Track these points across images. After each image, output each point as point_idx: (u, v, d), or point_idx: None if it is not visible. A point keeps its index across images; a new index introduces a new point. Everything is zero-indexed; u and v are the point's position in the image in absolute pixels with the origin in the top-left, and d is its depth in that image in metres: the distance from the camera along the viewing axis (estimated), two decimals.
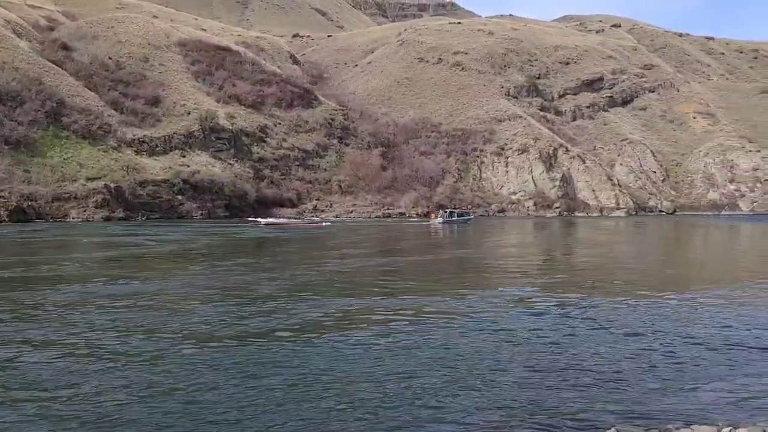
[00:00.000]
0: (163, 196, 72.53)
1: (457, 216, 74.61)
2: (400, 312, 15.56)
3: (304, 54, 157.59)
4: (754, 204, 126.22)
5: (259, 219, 64.98)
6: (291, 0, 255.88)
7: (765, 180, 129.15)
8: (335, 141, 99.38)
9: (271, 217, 73.58)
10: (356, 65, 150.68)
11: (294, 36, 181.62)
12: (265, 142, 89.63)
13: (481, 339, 12.99)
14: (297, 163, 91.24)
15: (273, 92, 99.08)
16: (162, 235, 44.45)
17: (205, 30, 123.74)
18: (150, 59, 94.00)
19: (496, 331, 13.69)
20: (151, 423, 8.09)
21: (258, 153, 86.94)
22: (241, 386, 9.50)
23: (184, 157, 79.53)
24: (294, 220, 68.92)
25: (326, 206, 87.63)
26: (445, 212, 74.58)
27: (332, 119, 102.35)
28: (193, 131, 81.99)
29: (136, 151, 76.74)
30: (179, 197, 73.58)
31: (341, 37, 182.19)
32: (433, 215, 75.80)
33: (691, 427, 8.32)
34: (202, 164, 79.10)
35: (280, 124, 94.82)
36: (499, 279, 23.53)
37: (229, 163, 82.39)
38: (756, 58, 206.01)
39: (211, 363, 10.69)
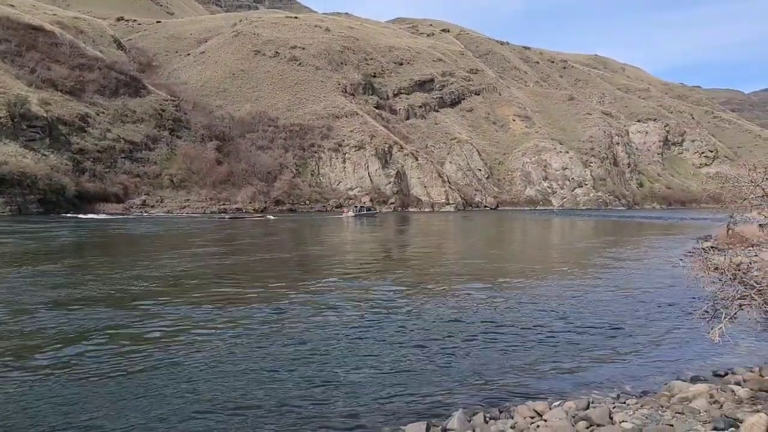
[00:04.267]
0: None
1: (366, 211, 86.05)
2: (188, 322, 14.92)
3: (131, 39, 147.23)
4: (564, 200, 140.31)
5: (269, 217, 74.98)
6: None
7: (572, 178, 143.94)
8: (166, 133, 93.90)
9: (92, 213, 68.48)
10: (188, 54, 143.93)
11: (118, 19, 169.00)
12: (86, 132, 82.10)
13: (327, 337, 12.87)
14: (123, 155, 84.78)
15: (95, 78, 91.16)
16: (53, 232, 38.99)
17: (13, 6, 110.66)
18: None
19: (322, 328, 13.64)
20: None
21: (78, 144, 79.38)
22: None
23: None
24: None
25: (156, 201, 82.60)
26: (356, 207, 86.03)
27: (163, 110, 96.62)
28: (0, 118, 72.88)
29: None
30: None
31: (172, 24, 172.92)
32: (345, 210, 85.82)
33: (526, 403, 8.88)
34: (11, 155, 70.51)
35: (103, 113, 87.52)
36: (329, 275, 23.60)
37: (44, 154, 74.36)
38: (565, 68, 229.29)
39: None
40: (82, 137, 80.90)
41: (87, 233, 41.88)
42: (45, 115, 77.11)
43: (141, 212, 76.28)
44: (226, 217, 72.92)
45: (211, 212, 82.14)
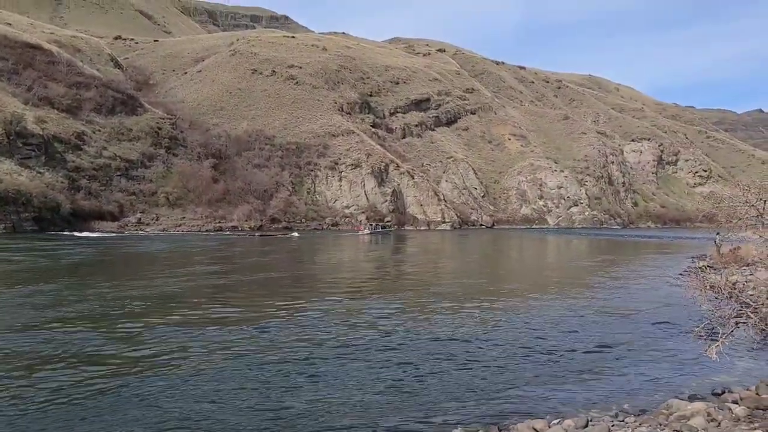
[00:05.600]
0: None
1: (381, 228, 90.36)
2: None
3: (128, 58, 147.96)
4: (559, 219, 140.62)
5: (294, 234, 78.78)
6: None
7: (567, 197, 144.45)
8: (162, 151, 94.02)
9: (87, 231, 68.31)
10: (185, 73, 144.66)
11: (116, 38, 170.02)
12: (82, 149, 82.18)
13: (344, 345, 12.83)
14: (119, 173, 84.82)
15: (92, 96, 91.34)
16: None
17: (10, 25, 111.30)
18: None
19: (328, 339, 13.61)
20: None
21: (74, 161, 79.41)
22: None
23: None
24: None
25: (152, 219, 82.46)
26: (371, 225, 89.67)
27: (159, 128, 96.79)
28: None
29: None
30: None
31: (169, 43, 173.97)
32: (361, 227, 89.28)
33: (525, 421, 8.88)
34: (6, 172, 70.51)
35: (99, 131, 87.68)
36: (335, 292, 23.58)
37: (39, 172, 74.37)
38: (559, 87, 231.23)
39: None
40: (78, 155, 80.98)
41: (99, 251, 41.65)
42: (41, 132, 77.29)
43: (136, 230, 76.15)
44: (257, 234, 77.25)
45: (243, 229, 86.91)
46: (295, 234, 78.60)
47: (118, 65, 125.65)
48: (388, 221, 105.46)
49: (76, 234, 64.08)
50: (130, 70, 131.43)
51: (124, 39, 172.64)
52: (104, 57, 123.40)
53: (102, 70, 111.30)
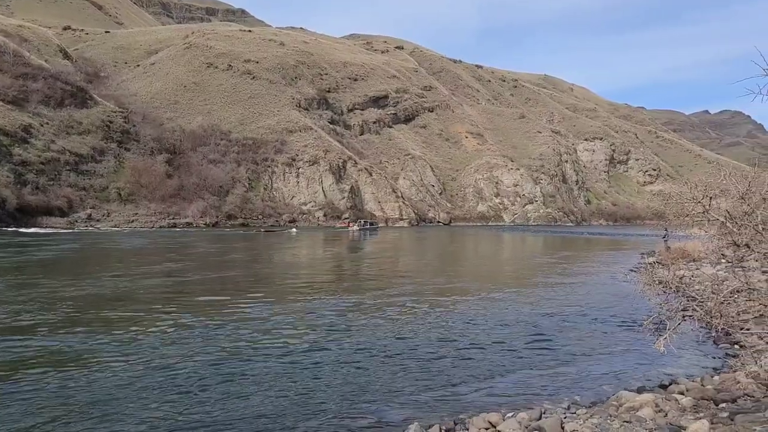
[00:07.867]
0: None
1: (370, 225, 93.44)
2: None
3: (77, 49, 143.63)
4: (515, 216, 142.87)
5: (293, 230, 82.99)
6: None
7: (523, 195, 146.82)
8: (114, 145, 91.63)
9: (34, 227, 66.04)
10: (138, 65, 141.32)
11: (65, 28, 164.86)
12: (28, 143, 79.43)
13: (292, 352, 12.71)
14: (68, 167, 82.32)
15: (39, 88, 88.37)
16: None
17: None
18: None
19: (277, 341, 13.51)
20: None
21: (20, 155, 76.70)
22: None
23: None
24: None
25: (103, 215, 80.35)
26: (360, 222, 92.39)
27: (110, 121, 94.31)
28: None
29: None
30: None
31: (121, 35, 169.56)
32: (351, 224, 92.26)
33: (481, 415, 8.97)
34: None
35: (47, 124, 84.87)
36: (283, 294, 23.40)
37: None
38: (516, 87, 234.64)
39: None
40: (25, 148, 78.27)
41: (76, 248, 40.22)
42: None
43: (86, 227, 74.02)
44: (262, 230, 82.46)
45: (250, 226, 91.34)
46: (294, 231, 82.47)
47: (67, 56, 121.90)
48: (345, 218, 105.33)
49: (23, 230, 61.92)
50: (79, 61, 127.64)
51: (74, 29, 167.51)
52: (53, 48, 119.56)
53: (50, 61, 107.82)
